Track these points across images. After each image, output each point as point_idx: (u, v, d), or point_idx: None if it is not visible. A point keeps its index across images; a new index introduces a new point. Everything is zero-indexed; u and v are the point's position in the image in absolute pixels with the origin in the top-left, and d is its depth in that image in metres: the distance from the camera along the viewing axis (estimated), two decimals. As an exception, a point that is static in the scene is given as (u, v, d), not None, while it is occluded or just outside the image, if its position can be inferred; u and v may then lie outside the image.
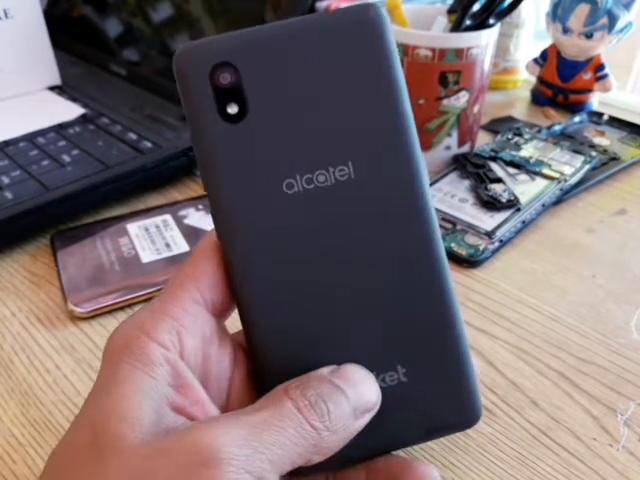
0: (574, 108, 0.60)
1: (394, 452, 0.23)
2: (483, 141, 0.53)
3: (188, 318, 0.20)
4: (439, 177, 0.47)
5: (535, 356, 0.32)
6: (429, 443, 0.27)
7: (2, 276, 0.38)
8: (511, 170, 0.47)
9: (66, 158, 0.45)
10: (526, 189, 0.45)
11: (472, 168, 0.47)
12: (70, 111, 0.52)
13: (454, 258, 0.39)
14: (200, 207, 0.43)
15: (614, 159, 0.50)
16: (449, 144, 0.48)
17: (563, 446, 0.27)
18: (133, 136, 0.48)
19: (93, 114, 0.52)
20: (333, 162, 0.19)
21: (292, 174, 0.19)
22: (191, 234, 0.40)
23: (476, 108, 0.48)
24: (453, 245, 0.39)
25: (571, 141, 0.52)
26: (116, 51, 0.62)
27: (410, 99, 0.20)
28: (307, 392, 0.19)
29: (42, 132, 0.48)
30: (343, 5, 0.61)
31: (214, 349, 0.21)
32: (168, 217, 0.42)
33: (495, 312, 0.35)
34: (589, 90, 0.59)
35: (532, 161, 0.48)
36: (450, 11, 0.47)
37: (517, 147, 0.50)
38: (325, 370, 0.20)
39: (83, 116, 0.51)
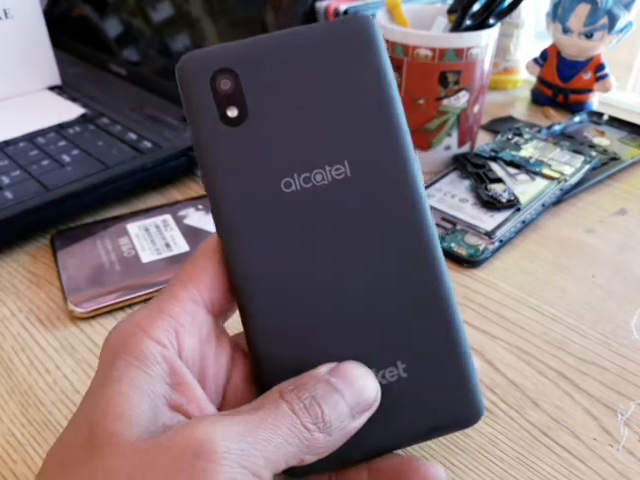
0: (574, 108, 0.60)
1: (395, 452, 0.22)
2: (483, 141, 0.53)
3: (186, 317, 0.20)
4: (439, 177, 0.47)
5: (535, 356, 0.32)
6: (429, 443, 0.27)
7: (2, 276, 0.38)
8: (511, 170, 0.47)
9: (66, 158, 0.45)
10: (526, 189, 0.45)
11: (472, 168, 0.47)
12: (70, 111, 0.52)
13: (454, 258, 0.39)
14: (200, 207, 0.43)
15: (614, 159, 0.50)
16: (449, 144, 0.48)
17: (563, 446, 0.27)
18: (133, 136, 0.48)
19: (93, 114, 0.52)
20: (330, 161, 0.20)
21: (290, 173, 0.20)
22: (191, 234, 0.40)
23: (476, 108, 0.48)
24: (453, 245, 0.39)
25: (571, 141, 0.52)
26: (116, 51, 0.62)
27: (404, 103, 0.21)
28: (302, 394, 0.19)
29: (42, 132, 0.48)
30: (343, 6, 0.61)
31: (212, 349, 0.21)
32: (168, 217, 0.42)
33: (495, 312, 0.35)
34: (589, 90, 0.59)
35: (532, 161, 0.48)
36: (450, 11, 0.48)
37: (517, 147, 0.50)
38: (323, 369, 0.20)
39: (83, 116, 0.51)
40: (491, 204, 0.43)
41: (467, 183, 0.46)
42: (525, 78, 0.66)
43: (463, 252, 0.39)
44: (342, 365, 0.20)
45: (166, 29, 0.57)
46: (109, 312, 0.35)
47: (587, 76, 0.58)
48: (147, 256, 0.38)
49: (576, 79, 0.59)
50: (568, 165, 0.47)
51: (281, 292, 0.21)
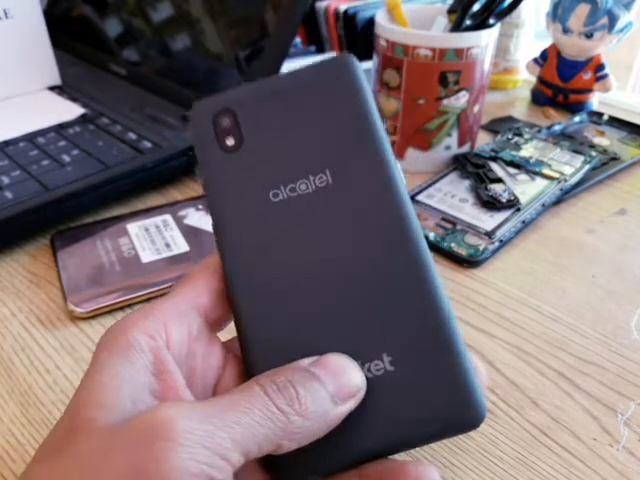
0: (574, 108, 0.60)
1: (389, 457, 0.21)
2: (483, 141, 0.53)
3: (176, 313, 0.21)
4: (439, 177, 0.47)
5: (535, 356, 0.32)
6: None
7: (2, 276, 0.38)
8: (511, 170, 0.47)
9: (66, 158, 0.45)
10: (526, 189, 0.45)
11: (472, 168, 0.47)
12: (70, 111, 0.52)
13: (454, 258, 0.39)
14: (200, 207, 0.43)
15: (614, 159, 0.50)
16: (449, 144, 0.48)
17: (563, 446, 0.27)
18: (133, 136, 0.47)
19: (93, 114, 0.52)
20: (312, 172, 0.23)
21: (277, 186, 0.23)
22: (191, 234, 0.40)
23: (476, 108, 0.48)
24: (453, 245, 0.39)
25: (571, 141, 0.52)
26: (116, 51, 0.62)
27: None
28: (276, 378, 0.19)
29: (42, 132, 0.48)
30: (343, 6, 0.61)
31: (202, 347, 0.22)
32: (168, 217, 0.42)
33: (495, 312, 0.35)
34: (589, 90, 0.59)
35: (532, 161, 0.48)
36: (450, 11, 0.48)
37: (517, 147, 0.50)
38: (305, 361, 0.20)
39: (83, 116, 0.51)
40: (491, 204, 0.43)
41: (467, 183, 0.46)
42: (525, 78, 0.67)
43: (463, 252, 0.39)
44: (324, 357, 0.20)
45: (166, 29, 0.57)
46: (109, 312, 0.35)
47: (587, 76, 0.58)
48: (147, 256, 0.38)
49: (576, 79, 0.59)
50: (568, 165, 0.47)
51: (268, 291, 0.22)
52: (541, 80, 0.62)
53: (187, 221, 0.42)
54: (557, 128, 0.55)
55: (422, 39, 0.44)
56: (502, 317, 0.35)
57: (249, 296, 0.22)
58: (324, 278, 0.22)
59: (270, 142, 0.23)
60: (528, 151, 0.49)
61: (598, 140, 0.53)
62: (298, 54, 0.65)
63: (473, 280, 0.38)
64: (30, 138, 0.48)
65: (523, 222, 0.42)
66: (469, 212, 0.43)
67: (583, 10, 0.54)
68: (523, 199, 0.43)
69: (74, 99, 0.55)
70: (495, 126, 0.57)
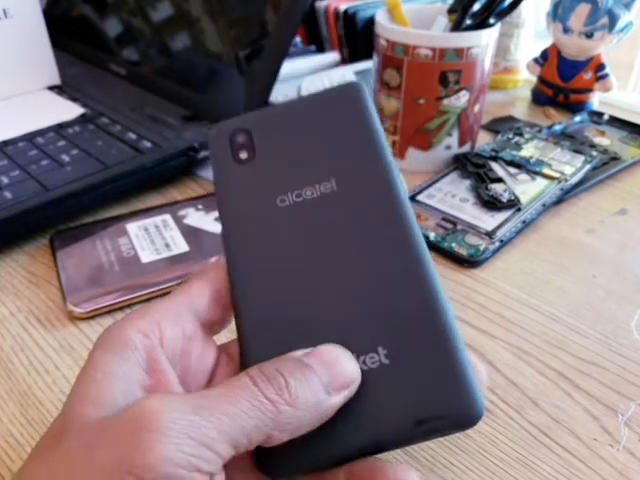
0: (575, 108, 0.60)
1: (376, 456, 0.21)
2: (484, 141, 0.53)
3: (171, 312, 0.21)
4: (439, 177, 0.47)
5: (535, 356, 0.32)
6: (428, 443, 0.27)
7: (1, 276, 0.38)
8: (512, 170, 0.47)
9: (65, 158, 0.44)
10: (526, 189, 0.45)
11: (472, 168, 0.47)
12: (70, 111, 0.52)
13: (454, 258, 0.39)
14: (200, 207, 0.43)
15: (615, 159, 0.50)
16: (449, 144, 0.48)
17: (563, 446, 0.27)
18: (133, 136, 0.47)
19: (93, 114, 0.52)
20: (318, 180, 0.24)
21: (284, 192, 0.24)
22: (190, 234, 0.40)
23: (476, 108, 0.48)
24: (454, 245, 0.39)
25: (572, 141, 0.52)
26: (116, 51, 0.62)
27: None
28: (265, 369, 0.19)
29: (41, 132, 0.48)
30: (343, 6, 0.61)
31: (196, 348, 0.22)
32: (168, 217, 0.42)
33: (495, 312, 0.35)
34: (589, 90, 0.59)
35: (532, 161, 0.48)
36: (450, 11, 0.47)
37: (517, 147, 0.50)
38: (298, 352, 0.20)
39: (83, 116, 0.51)
40: (491, 204, 0.42)
41: (467, 183, 0.46)
42: (525, 78, 0.66)
43: (463, 252, 0.39)
44: (318, 347, 0.20)
45: (166, 29, 0.57)
46: (108, 312, 0.35)
47: (587, 76, 0.58)
48: (147, 256, 0.38)
49: (576, 79, 0.59)
50: (569, 165, 0.47)
51: (270, 290, 0.23)
52: (541, 80, 0.62)
53: (187, 221, 0.41)
54: (558, 128, 0.55)
55: (422, 39, 0.44)
56: (502, 317, 0.35)
57: (251, 294, 0.23)
58: (325, 277, 0.22)
59: (280, 155, 0.25)
60: (529, 151, 0.49)
61: (599, 140, 0.53)
62: (298, 54, 0.65)
63: (473, 280, 0.38)
64: (29, 138, 0.48)
65: (523, 222, 0.41)
66: (469, 212, 0.43)
67: (583, 10, 0.54)
68: (523, 199, 0.43)
69: (74, 99, 0.55)
70: (495, 126, 0.57)
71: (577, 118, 0.57)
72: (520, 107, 0.63)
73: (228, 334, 0.25)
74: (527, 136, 0.52)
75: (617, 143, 0.53)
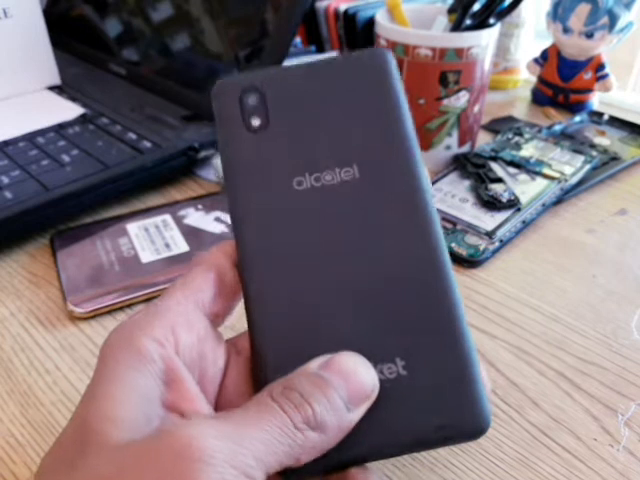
0: (574, 108, 0.60)
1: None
2: (483, 141, 0.53)
3: (183, 315, 0.21)
4: (439, 177, 0.47)
5: (535, 356, 0.32)
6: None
7: (2, 276, 0.38)
8: (511, 170, 0.47)
9: (66, 158, 0.44)
10: (526, 189, 0.45)
11: (472, 168, 0.47)
12: (70, 111, 0.52)
13: (454, 258, 0.39)
14: (200, 207, 0.43)
15: (615, 159, 0.50)
16: (449, 144, 0.48)
17: (563, 446, 0.27)
18: (133, 136, 0.47)
19: (93, 114, 0.52)
20: (340, 164, 0.22)
21: (302, 173, 0.22)
22: (191, 234, 0.40)
23: (476, 108, 0.48)
24: (453, 245, 0.39)
25: (571, 141, 0.52)
26: (116, 51, 0.62)
27: (410, 105, 0.23)
28: (290, 394, 0.18)
29: (42, 132, 0.48)
30: (343, 5, 0.61)
31: (210, 349, 0.21)
32: (168, 217, 0.42)
33: (495, 312, 0.35)
34: (589, 90, 0.59)
35: (532, 161, 0.48)
36: (450, 11, 0.47)
37: (517, 147, 0.50)
38: (314, 364, 0.20)
39: (83, 116, 0.51)
40: (491, 204, 0.42)
41: (467, 183, 0.46)
42: (525, 78, 0.66)
43: (463, 252, 0.39)
44: (334, 357, 0.20)
45: (166, 29, 0.57)
46: (109, 312, 0.35)
47: (587, 76, 0.58)
48: (147, 256, 0.38)
49: (576, 79, 0.59)
50: (568, 165, 0.47)
51: (285, 281, 0.21)
52: (541, 80, 0.62)
53: (187, 221, 0.41)
54: (557, 128, 0.55)
55: (422, 39, 0.44)
56: (502, 317, 0.35)
57: (266, 293, 0.21)
58: (342, 275, 0.21)
59: (298, 127, 0.22)
60: (528, 151, 0.49)
61: (598, 140, 0.53)
62: (298, 54, 0.65)
63: (473, 280, 0.38)
64: (30, 138, 0.48)
65: (523, 222, 0.41)
66: (469, 212, 0.43)
67: (583, 10, 0.54)
68: (523, 199, 0.43)
69: (74, 99, 0.55)
70: (495, 126, 0.57)
71: (577, 118, 0.57)
72: (520, 107, 0.63)
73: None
74: (527, 136, 0.52)
75: (617, 143, 0.53)
